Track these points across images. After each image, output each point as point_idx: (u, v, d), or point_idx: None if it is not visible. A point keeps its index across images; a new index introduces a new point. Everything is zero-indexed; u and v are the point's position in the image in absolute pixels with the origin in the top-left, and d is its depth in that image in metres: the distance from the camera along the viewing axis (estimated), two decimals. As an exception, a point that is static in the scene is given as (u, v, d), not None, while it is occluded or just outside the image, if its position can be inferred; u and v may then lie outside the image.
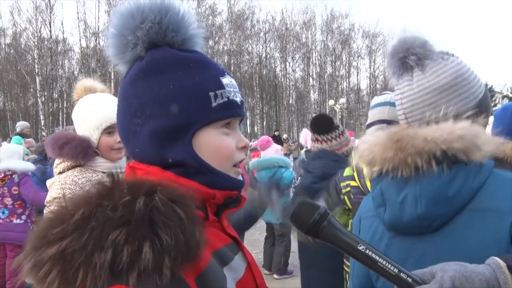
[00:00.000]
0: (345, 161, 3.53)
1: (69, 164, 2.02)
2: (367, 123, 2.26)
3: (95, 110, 2.08)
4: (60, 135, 2.05)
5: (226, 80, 0.97)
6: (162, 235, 0.74)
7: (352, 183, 2.31)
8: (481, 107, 1.32)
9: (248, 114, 49.27)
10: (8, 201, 5.77)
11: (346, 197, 2.31)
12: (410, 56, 1.33)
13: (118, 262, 0.71)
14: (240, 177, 1.01)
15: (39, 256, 0.75)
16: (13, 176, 5.76)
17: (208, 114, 0.92)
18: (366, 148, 1.33)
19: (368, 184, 2.13)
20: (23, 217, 5.79)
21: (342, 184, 2.36)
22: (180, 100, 0.91)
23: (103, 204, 0.77)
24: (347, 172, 2.39)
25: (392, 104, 2.26)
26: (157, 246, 0.73)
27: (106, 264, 0.71)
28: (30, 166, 5.92)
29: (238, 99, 0.98)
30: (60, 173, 2.04)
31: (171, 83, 0.91)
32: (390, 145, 1.25)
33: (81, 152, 1.96)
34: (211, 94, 0.93)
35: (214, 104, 0.93)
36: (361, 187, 2.22)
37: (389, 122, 2.17)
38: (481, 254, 1.05)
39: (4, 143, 13.87)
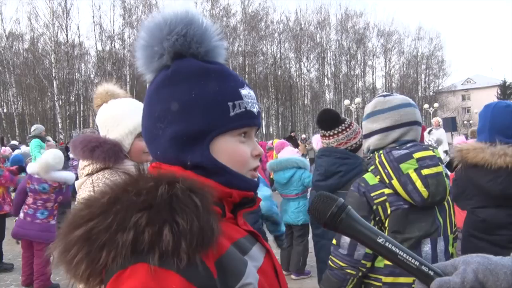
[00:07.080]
0: (350, 157, 3.43)
1: (98, 166, 2.07)
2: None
3: (128, 116, 2.13)
4: (90, 138, 2.10)
5: (244, 91, 1.03)
6: (179, 220, 0.80)
7: (387, 190, 2.13)
8: None
9: (263, 115, 49.17)
10: (50, 205, 6.11)
11: (380, 207, 2.11)
12: None
13: (139, 243, 0.77)
14: (255, 179, 1.07)
15: (68, 239, 0.81)
16: (63, 186, 6.12)
17: (226, 122, 0.99)
18: None
19: (422, 188, 2.05)
20: (56, 218, 6.19)
21: (373, 194, 2.14)
22: (200, 108, 0.97)
23: (128, 189, 0.84)
24: (372, 180, 2.18)
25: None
26: (175, 230, 0.79)
27: (128, 244, 0.77)
28: (73, 177, 6.22)
29: (255, 109, 1.04)
30: (88, 174, 2.10)
31: (193, 91, 0.98)
32: None
33: (113, 155, 2.03)
34: (230, 104, 0.99)
35: (232, 113, 0.99)
36: (404, 193, 2.08)
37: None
38: None
39: (23, 147, 14.11)
